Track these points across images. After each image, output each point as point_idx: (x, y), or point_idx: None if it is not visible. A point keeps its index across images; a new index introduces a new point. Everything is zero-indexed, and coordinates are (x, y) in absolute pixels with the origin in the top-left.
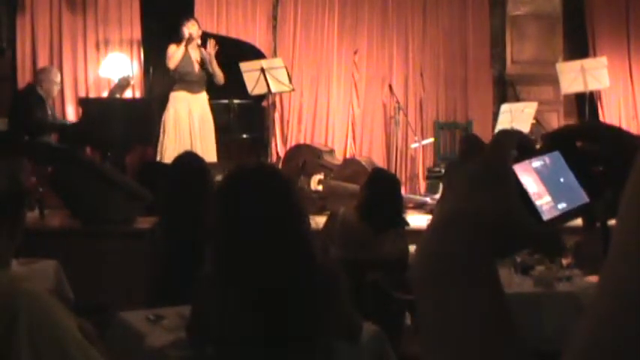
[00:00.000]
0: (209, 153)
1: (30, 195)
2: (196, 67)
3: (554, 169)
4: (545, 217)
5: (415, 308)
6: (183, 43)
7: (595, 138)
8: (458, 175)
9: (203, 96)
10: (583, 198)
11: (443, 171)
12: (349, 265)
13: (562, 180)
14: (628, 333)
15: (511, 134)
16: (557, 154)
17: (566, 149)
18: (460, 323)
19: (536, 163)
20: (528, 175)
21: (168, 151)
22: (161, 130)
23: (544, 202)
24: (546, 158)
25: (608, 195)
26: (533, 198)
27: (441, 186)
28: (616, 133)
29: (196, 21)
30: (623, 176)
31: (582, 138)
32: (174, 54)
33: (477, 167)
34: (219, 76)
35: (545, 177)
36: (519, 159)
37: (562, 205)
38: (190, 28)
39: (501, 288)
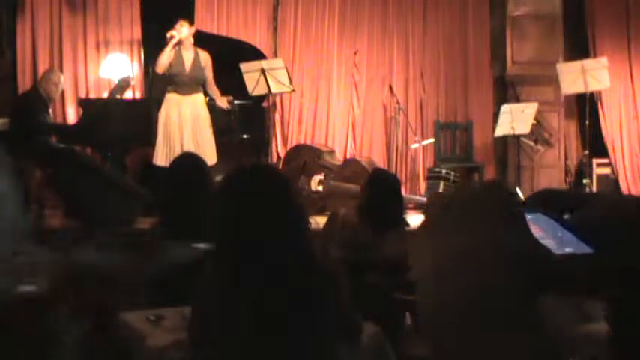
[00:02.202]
0: (207, 155)
1: (33, 196)
2: (188, 68)
3: (548, 224)
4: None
5: (415, 309)
6: (168, 47)
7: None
8: (466, 209)
9: (196, 97)
10: (586, 248)
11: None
12: (349, 265)
13: (559, 234)
14: None
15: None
16: (541, 214)
17: (550, 212)
18: None
19: (529, 216)
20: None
21: (159, 153)
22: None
23: (547, 243)
24: (537, 215)
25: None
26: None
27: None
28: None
29: (185, 21)
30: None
31: (568, 205)
32: (160, 58)
33: (492, 204)
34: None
35: (543, 227)
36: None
37: (569, 249)
38: (178, 30)
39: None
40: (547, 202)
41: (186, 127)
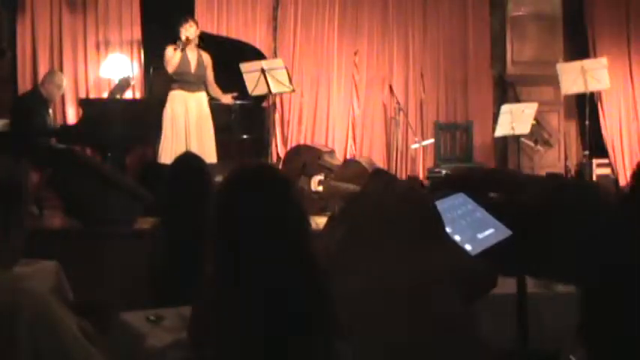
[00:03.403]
0: (207, 153)
1: (32, 196)
2: (193, 68)
3: (465, 207)
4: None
5: None
6: (180, 47)
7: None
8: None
9: (201, 95)
10: (504, 230)
11: (444, 172)
12: None
13: (478, 215)
14: None
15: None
16: (461, 195)
17: (474, 193)
18: None
19: (446, 200)
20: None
21: (165, 150)
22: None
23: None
24: (456, 196)
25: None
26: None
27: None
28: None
29: (194, 22)
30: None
31: (492, 187)
32: (172, 58)
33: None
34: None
35: (456, 215)
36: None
37: (485, 235)
38: (188, 30)
39: None
40: (469, 180)
41: (192, 122)
